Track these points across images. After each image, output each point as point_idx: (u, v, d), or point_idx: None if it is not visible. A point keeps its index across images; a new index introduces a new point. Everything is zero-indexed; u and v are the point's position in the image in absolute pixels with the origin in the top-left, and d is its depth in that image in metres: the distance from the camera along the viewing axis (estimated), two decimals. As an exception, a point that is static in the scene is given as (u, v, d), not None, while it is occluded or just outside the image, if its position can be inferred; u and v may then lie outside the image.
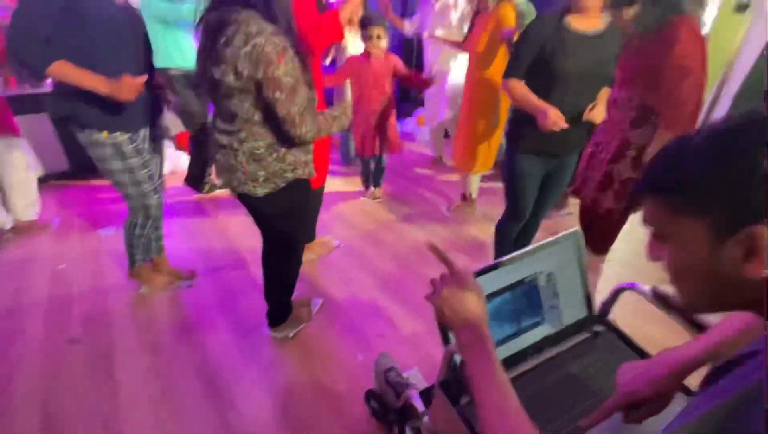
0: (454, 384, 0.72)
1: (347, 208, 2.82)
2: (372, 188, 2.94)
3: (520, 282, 0.77)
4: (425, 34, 2.87)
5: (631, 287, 0.83)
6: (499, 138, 2.48)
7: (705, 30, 2.99)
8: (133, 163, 1.53)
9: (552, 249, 0.79)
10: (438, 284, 0.63)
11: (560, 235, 0.79)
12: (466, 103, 2.38)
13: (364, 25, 2.26)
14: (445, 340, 0.70)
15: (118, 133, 1.46)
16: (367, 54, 2.37)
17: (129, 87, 1.35)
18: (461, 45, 2.44)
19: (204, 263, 2.14)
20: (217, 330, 1.69)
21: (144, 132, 1.60)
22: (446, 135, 3.61)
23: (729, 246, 0.38)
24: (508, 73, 1.48)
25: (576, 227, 0.82)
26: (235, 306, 1.83)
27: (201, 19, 1.08)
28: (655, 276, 0.83)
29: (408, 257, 2.24)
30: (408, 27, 3.00)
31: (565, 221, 2.65)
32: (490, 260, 2.05)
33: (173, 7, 2.24)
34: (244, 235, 2.42)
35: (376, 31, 2.26)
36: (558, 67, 1.39)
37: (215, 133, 1.20)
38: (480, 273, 0.72)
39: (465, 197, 2.74)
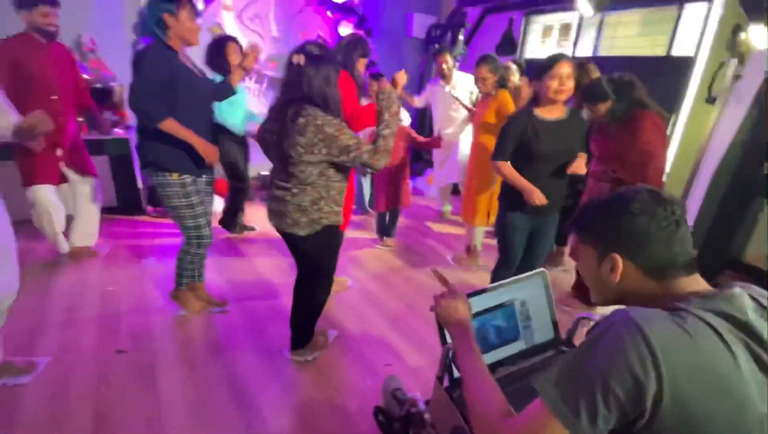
0: (449, 378, 0.96)
1: (362, 253, 3.11)
2: (385, 238, 3.24)
3: (501, 305, 1.04)
4: (436, 133, 3.37)
5: (587, 317, 1.08)
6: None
7: (682, 117, 3.43)
8: (193, 200, 1.87)
9: (524, 282, 1.06)
10: (439, 298, 0.91)
11: (530, 273, 1.07)
12: (471, 167, 2.76)
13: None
14: (443, 340, 0.96)
15: (185, 175, 1.83)
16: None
17: (213, 151, 1.82)
18: (468, 119, 2.93)
19: (234, 293, 2.41)
20: (245, 350, 1.92)
21: (204, 177, 1.96)
22: (455, 192, 4.03)
23: (604, 264, 0.68)
24: (496, 156, 1.84)
25: (542, 269, 1.10)
26: (261, 332, 2.07)
27: (273, 106, 1.48)
28: None
29: (414, 299, 2.48)
30: (417, 101, 3.60)
31: (561, 276, 2.89)
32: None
33: (232, 110, 2.75)
34: (269, 272, 2.71)
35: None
36: (534, 149, 1.75)
37: (273, 187, 1.55)
38: (471, 295, 1.00)
39: (469, 249, 3.03)
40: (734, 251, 3.15)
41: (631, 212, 0.69)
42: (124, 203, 3.52)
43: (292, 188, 1.50)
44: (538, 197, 1.73)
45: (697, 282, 0.70)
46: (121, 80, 3.38)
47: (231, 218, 3.20)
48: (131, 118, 3.53)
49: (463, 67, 4.79)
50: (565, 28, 4.28)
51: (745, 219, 2.86)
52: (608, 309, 0.71)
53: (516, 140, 1.77)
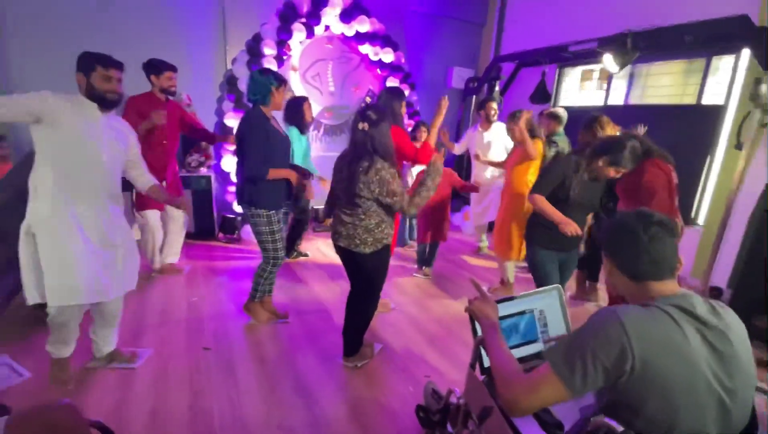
0: (480, 366, 1.24)
1: (403, 281, 3.42)
2: (424, 268, 3.55)
3: (523, 312, 1.32)
4: (475, 156, 3.76)
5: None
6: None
7: (716, 163, 3.56)
8: (275, 228, 2.32)
9: (543, 295, 1.34)
10: (473, 300, 1.22)
11: (548, 287, 1.36)
12: (503, 207, 3.06)
13: (416, 127, 3.22)
14: (474, 333, 1.25)
15: (271, 211, 2.29)
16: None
17: (299, 178, 2.36)
18: (502, 164, 3.27)
19: (294, 307, 2.79)
20: (305, 354, 2.27)
21: (281, 211, 2.42)
22: (491, 228, 4.31)
23: (616, 274, 0.98)
24: (535, 190, 2.11)
25: (557, 285, 1.38)
26: (317, 340, 2.41)
27: (344, 156, 1.92)
28: None
29: (452, 324, 2.73)
30: (456, 148, 4.02)
31: (594, 310, 3.03)
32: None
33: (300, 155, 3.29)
34: (321, 291, 3.09)
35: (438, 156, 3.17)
36: (570, 195, 2.03)
37: (341, 216, 1.95)
38: (499, 301, 1.29)
39: (503, 282, 3.25)
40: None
41: (618, 229, 0.99)
42: (200, 230, 4.11)
43: (361, 214, 1.89)
44: (572, 229, 1.93)
45: (665, 286, 0.97)
46: (209, 128, 4.08)
47: (290, 245, 3.66)
48: (212, 159, 4.21)
49: (500, 118, 5.20)
50: (605, 72, 4.57)
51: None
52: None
53: (558, 180, 2.04)
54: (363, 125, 1.84)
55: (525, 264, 3.75)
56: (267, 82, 2.17)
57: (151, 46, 3.79)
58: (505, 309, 1.31)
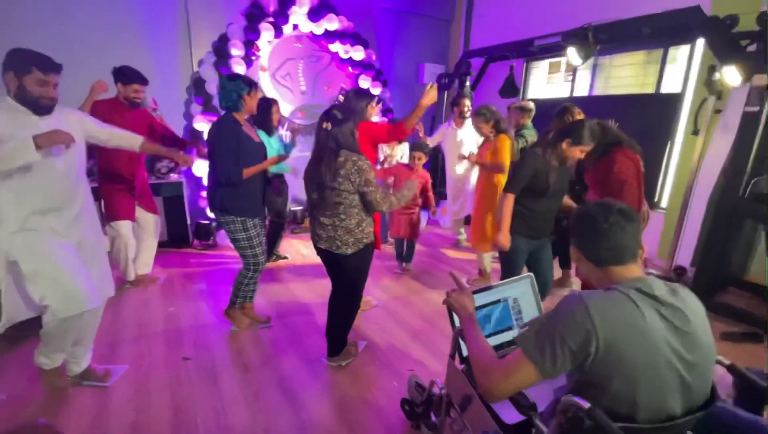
0: (459, 356, 1.28)
1: (384, 278, 3.44)
2: (404, 263, 3.58)
3: (498, 301, 1.36)
4: (448, 171, 3.82)
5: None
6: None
7: (676, 148, 3.75)
8: (252, 233, 2.28)
9: (515, 284, 1.39)
10: (450, 292, 1.25)
11: (519, 276, 1.40)
12: (477, 199, 3.13)
13: (413, 149, 3.19)
14: (452, 324, 1.28)
15: (245, 217, 2.25)
16: (410, 166, 3.26)
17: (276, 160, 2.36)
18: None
19: (275, 312, 2.77)
20: (289, 357, 2.26)
21: (257, 218, 2.38)
22: (468, 222, 4.39)
23: (583, 261, 1.02)
24: (507, 189, 2.15)
25: (529, 274, 1.43)
26: (301, 343, 2.40)
27: (312, 160, 1.91)
28: None
29: (434, 317, 2.78)
30: (429, 141, 4.06)
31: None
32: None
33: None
34: (303, 293, 3.08)
35: (419, 155, 3.18)
36: (549, 185, 2.09)
37: (320, 218, 1.94)
38: (476, 292, 1.33)
39: (481, 273, 3.32)
40: (735, 270, 3.34)
41: (582, 219, 1.04)
42: (173, 238, 4.00)
43: (341, 214, 1.89)
44: (503, 243, 2.13)
45: (627, 271, 1.02)
46: (177, 133, 3.97)
47: (269, 248, 3.61)
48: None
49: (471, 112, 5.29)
50: (570, 65, 4.70)
51: (737, 240, 3.08)
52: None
53: (530, 176, 2.10)
54: (326, 124, 1.85)
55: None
56: (237, 88, 2.13)
57: (114, 49, 3.67)
58: (480, 299, 1.35)
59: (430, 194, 3.43)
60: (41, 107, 1.61)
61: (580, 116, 2.64)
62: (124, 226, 2.85)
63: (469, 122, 3.90)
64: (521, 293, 1.40)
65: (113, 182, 2.81)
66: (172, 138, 3.08)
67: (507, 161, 2.89)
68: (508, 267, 2.32)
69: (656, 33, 3.33)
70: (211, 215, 3.72)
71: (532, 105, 3.46)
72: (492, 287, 1.37)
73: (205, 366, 2.17)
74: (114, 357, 2.24)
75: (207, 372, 2.12)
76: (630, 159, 2.22)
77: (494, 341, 1.35)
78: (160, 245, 3.90)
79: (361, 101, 2.44)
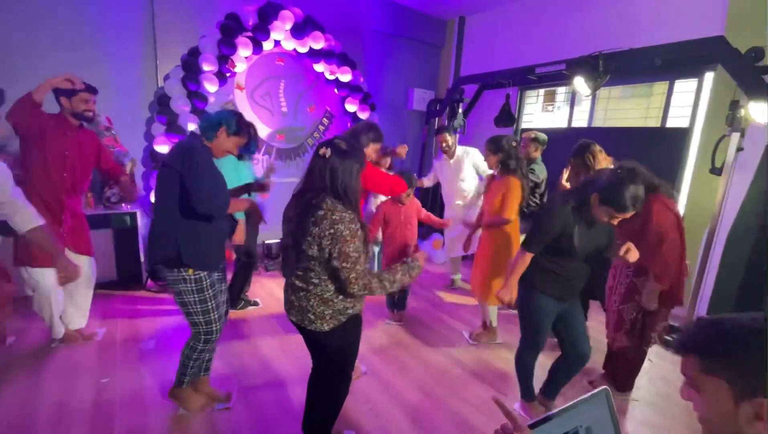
0: None
1: (373, 332, 2.94)
2: (395, 311, 3.10)
3: (565, 434, 0.91)
4: (446, 205, 3.44)
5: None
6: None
7: (684, 187, 3.50)
8: (206, 296, 1.76)
9: (588, 405, 0.94)
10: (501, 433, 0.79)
11: (593, 393, 0.96)
12: (483, 244, 2.71)
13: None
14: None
15: (200, 271, 1.74)
16: (396, 201, 2.81)
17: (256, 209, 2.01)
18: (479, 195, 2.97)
19: (238, 381, 2.22)
20: (253, 459, 1.71)
21: (220, 271, 1.88)
22: (465, 258, 4.01)
23: (744, 407, 0.57)
24: (529, 247, 1.75)
25: (604, 386, 0.99)
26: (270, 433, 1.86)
27: (294, 195, 1.45)
28: (679, 418, 0.97)
29: (434, 388, 2.29)
30: (426, 182, 3.74)
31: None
32: (516, 392, 2.12)
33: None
34: (274, 353, 2.54)
35: (409, 191, 2.73)
36: (575, 245, 1.69)
37: (292, 277, 1.47)
38: (533, 425, 0.88)
39: (486, 325, 2.88)
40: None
41: (749, 333, 0.61)
42: (124, 278, 3.40)
43: (314, 278, 1.40)
44: (507, 299, 1.82)
45: None
46: (133, 155, 3.43)
47: (236, 294, 3.07)
48: (139, 193, 3.55)
49: (463, 140, 4.99)
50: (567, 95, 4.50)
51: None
52: (657, 405, 0.59)
53: (556, 234, 1.71)
54: (325, 150, 1.39)
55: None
56: (223, 119, 1.75)
57: (65, 59, 3.16)
58: (541, 434, 0.89)
59: (427, 214, 2.97)
60: None
61: (601, 154, 2.29)
62: (46, 274, 2.26)
63: (462, 150, 3.55)
64: (596, 420, 0.95)
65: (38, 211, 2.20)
66: (113, 176, 2.56)
67: (515, 208, 2.51)
68: (532, 331, 1.90)
69: (668, 64, 3.12)
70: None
71: (545, 137, 3.13)
72: (554, 415, 0.92)
73: (136, 476, 1.60)
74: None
75: (137, 488, 1.55)
76: (669, 209, 1.88)
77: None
78: (109, 286, 3.33)
79: (366, 136, 2.04)
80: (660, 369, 2.56)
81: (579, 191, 1.74)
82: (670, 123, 3.70)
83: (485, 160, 2.68)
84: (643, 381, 2.40)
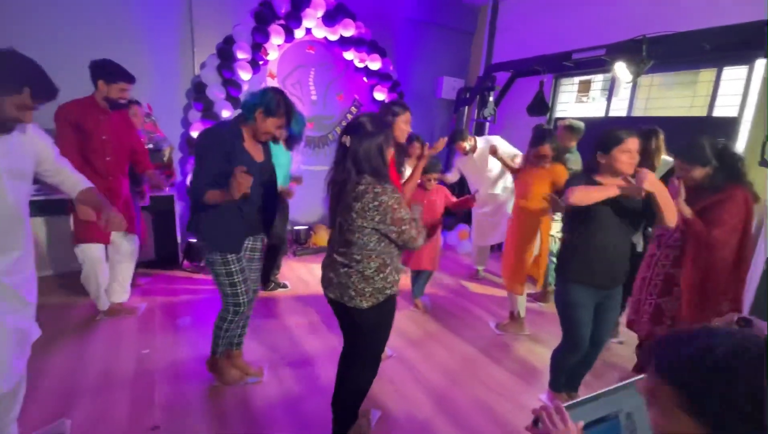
0: None
1: (397, 315, 2.94)
2: (417, 300, 3.10)
3: (604, 418, 0.90)
4: (491, 150, 3.25)
5: None
6: (544, 264, 2.72)
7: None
8: (233, 268, 1.83)
9: (627, 391, 0.93)
10: (544, 414, 0.78)
11: (635, 378, 0.94)
12: (513, 233, 2.67)
13: (425, 171, 2.73)
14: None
15: (227, 253, 1.81)
16: (422, 186, 2.80)
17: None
18: (514, 173, 2.90)
19: (269, 358, 2.30)
20: (284, 431, 1.78)
21: (248, 243, 1.94)
22: (492, 249, 3.99)
23: (675, 422, 0.55)
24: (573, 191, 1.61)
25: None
26: (298, 409, 1.93)
27: (330, 181, 1.48)
28: None
29: (458, 375, 2.30)
30: (449, 178, 3.64)
31: (616, 349, 2.66)
32: (542, 383, 2.09)
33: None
34: (302, 333, 2.61)
35: (433, 176, 2.74)
36: (602, 216, 1.64)
37: (333, 254, 1.50)
38: (570, 406, 0.87)
39: (513, 315, 2.85)
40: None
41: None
42: (161, 257, 3.56)
43: (356, 254, 1.44)
44: (649, 182, 1.49)
45: None
46: (171, 141, 3.57)
47: (266, 276, 3.16)
48: (177, 176, 3.70)
49: (493, 129, 4.88)
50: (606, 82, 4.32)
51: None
52: None
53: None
54: (345, 139, 1.43)
55: (536, 290, 3.39)
56: (260, 99, 1.72)
57: (107, 47, 3.28)
58: (579, 416, 0.88)
59: (457, 200, 2.90)
60: (8, 128, 1.22)
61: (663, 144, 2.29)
62: (95, 249, 2.41)
63: (481, 141, 3.46)
64: (637, 406, 0.93)
65: None
66: (141, 165, 2.67)
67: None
68: (570, 328, 1.84)
69: (716, 49, 2.93)
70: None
71: (581, 125, 3.02)
72: (594, 398, 0.91)
73: (176, 440, 1.70)
74: (69, 413, 1.78)
75: (177, 452, 1.65)
76: (749, 209, 1.78)
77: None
78: (147, 265, 3.49)
79: (387, 116, 2.02)
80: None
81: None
82: (717, 112, 3.49)
83: (544, 157, 2.57)
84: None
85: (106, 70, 2.26)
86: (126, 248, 2.60)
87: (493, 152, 3.11)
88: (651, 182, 1.51)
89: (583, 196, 1.59)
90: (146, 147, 2.86)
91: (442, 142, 2.22)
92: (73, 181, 1.54)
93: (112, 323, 2.61)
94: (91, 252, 2.41)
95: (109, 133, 2.36)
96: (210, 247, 1.80)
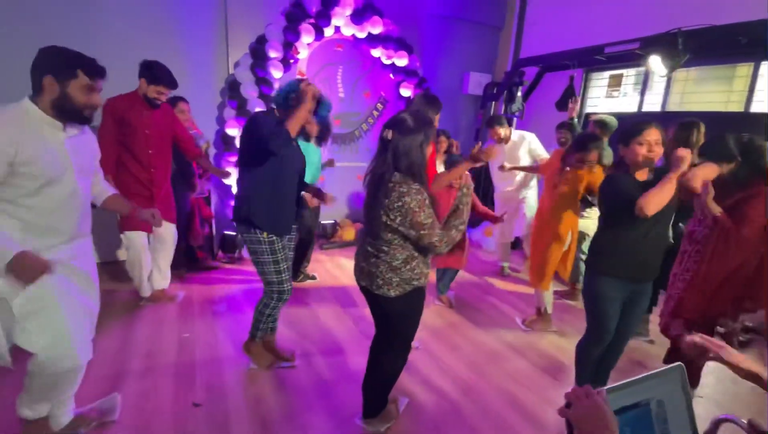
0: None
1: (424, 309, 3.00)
2: (442, 296, 3.14)
3: (636, 405, 0.93)
4: (502, 167, 3.34)
5: (730, 419, 0.94)
6: (572, 258, 2.70)
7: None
8: (279, 256, 1.93)
9: (660, 379, 0.95)
10: (575, 396, 0.82)
11: (667, 367, 0.96)
12: (539, 229, 2.67)
13: (449, 168, 2.75)
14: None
15: (273, 235, 1.91)
16: (449, 186, 2.82)
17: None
18: (537, 169, 2.90)
19: (300, 345, 2.40)
20: (315, 413, 1.87)
21: (287, 237, 2.04)
22: (514, 246, 3.99)
23: None
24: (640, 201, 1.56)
25: (679, 363, 0.98)
26: (329, 393, 2.02)
27: (367, 173, 1.53)
28: (746, 415, 0.95)
29: (484, 368, 2.33)
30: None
31: (645, 348, 2.62)
32: (569, 379, 2.10)
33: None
34: (332, 323, 2.71)
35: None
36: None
37: (365, 245, 1.57)
38: (612, 390, 0.89)
39: (539, 312, 2.85)
40: None
41: None
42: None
43: (383, 246, 1.50)
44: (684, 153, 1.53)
45: None
46: (207, 137, 3.72)
47: (296, 267, 3.28)
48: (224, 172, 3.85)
49: (521, 124, 4.83)
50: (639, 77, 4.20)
51: None
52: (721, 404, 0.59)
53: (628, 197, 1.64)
54: (387, 133, 1.46)
55: (563, 286, 3.37)
56: (291, 87, 1.82)
57: (146, 47, 3.46)
58: (610, 402, 0.91)
59: (484, 209, 2.92)
60: (84, 118, 1.36)
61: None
62: (138, 238, 2.57)
63: (515, 134, 3.49)
64: (668, 394, 0.96)
65: (130, 187, 2.49)
66: (190, 153, 2.83)
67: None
68: (595, 320, 1.85)
69: (754, 44, 2.81)
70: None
71: (613, 121, 2.97)
72: (626, 386, 0.93)
73: (217, 416, 1.82)
74: (117, 391, 1.92)
75: (218, 426, 1.76)
76: None
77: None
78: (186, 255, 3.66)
79: (431, 110, 2.06)
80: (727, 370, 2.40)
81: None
82: (755, 108, 3.35)
83: (589, 163, 2.47)
84: (709, 379, 2.27)
85: (151, 71, 2.41)
86: (167, 236, 2.76)
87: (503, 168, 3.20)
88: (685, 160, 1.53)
89: (659, 201, 1.54)
90: (191, 134, 3.00)
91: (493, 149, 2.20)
92: (99, 188, 1.66)
93: (154, 309, 2.78)
94: (135, 239, 2.57)
95: (152, 127, 2.50)
96: (262, 229, 1.87)
